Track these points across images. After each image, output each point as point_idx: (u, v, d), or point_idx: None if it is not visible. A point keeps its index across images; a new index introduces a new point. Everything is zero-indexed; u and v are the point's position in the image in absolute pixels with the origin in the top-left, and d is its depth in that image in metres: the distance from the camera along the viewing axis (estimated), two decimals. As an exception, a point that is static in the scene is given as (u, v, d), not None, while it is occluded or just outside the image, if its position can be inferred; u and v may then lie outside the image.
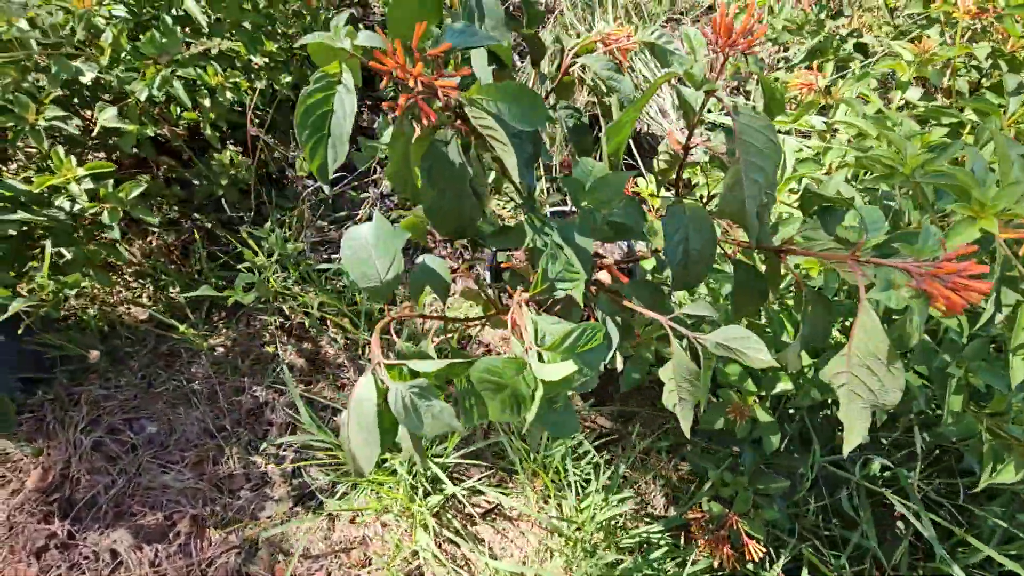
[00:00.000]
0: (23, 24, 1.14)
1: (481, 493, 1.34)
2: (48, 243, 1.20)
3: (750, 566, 1.12)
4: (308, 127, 0.47)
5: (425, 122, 0.50)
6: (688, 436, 0.64)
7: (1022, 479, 0.81)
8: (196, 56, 1.33)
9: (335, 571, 1.30)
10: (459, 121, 0.60)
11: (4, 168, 1.40)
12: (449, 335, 1.45)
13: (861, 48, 1.35)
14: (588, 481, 1.26)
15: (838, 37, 1.37)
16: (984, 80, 1.13)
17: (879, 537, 1.18)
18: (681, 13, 1.91)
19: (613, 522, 1.18)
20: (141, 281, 1.72)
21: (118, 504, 1.38)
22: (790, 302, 1.01)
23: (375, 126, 2.02)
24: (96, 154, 1.62)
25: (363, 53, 0.48)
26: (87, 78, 1.26)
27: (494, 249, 1.06)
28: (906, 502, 1.07)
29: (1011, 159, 0.60)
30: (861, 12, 1.42)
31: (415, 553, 1.27)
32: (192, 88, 1.43)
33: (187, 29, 1.46)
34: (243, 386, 1.55)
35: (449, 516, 1.31)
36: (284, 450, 1.46)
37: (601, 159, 0.71)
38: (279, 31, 1.67)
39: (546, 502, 1.28)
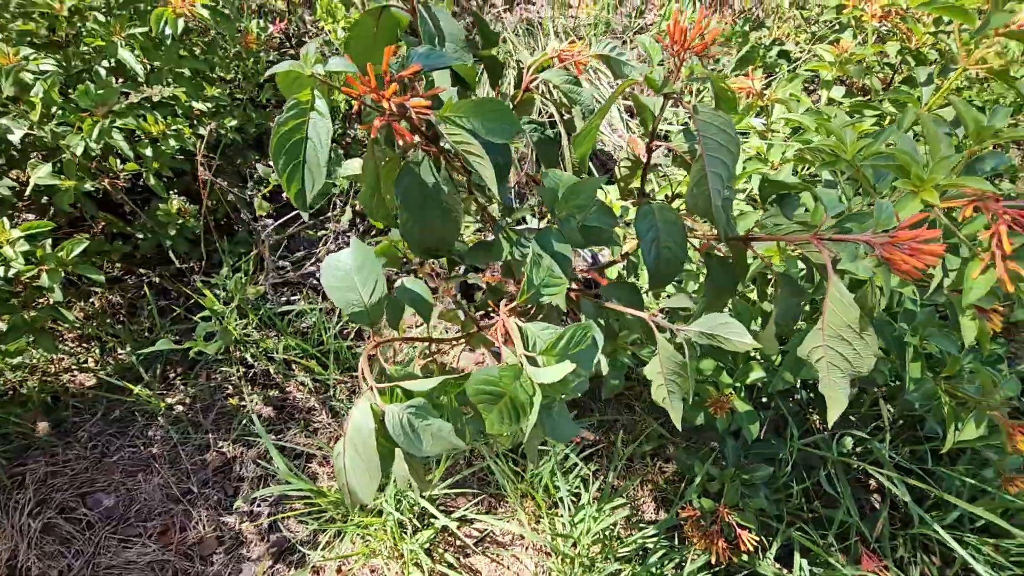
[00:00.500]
0: (-58, 84, 1.08)
1: (471, 522, 1.31)
2: (-18, 312, 1.11)
3: (745, 557, 1.13)
4: (284, 155, 0.46)
5: (400, 143, 0.51)
6: (680, 428, 0.65)
7: (982, 436, 0.87)
8: (135, 106, 1.30)
9: (326, 627, 1.23)
10: (428, 142, 0.61)
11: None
12: (431, 359, 1.43)
13: (784, 55, 1.46)
14: (578, 495, 1.25)
15: (762, 46, 1.47)
16: (896, 75, 1.24)
17: (860, 511, 1.22)
18: (616, 33, 2.01)
19: (608, 532, 1.18)
20: (86, 345, 1.62)
21: (77, 589, 1.27)
22: (752, 295, 1.06)
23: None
24: (30, 215, 1.53)
25: (332, 79, 0.49)
26: (16, 136, 1.20)
27: (463, 270, 1.06)
28: (881, 471, 1.12)
29: (938, 137, 0.66)
30: (780, 23, 1.54)
31: (410, 594, 1.22)
32: (132, 138, 1.39)
33: (122, 79, 1.42)
34: (208, 443, 1.47)
35: (441, 550, 1.27)
36: (258, 505, 1.39)
37: (566, 170, 0.73)
38: (219, 75, 1.65)
39: (539, 522, 1.26)
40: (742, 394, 1.07)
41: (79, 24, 1.33)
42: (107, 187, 1.39)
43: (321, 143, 0.47)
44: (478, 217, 1.17)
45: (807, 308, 0.84)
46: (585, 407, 1.44)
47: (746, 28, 1.48)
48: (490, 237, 0.80)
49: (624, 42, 1.78)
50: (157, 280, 1.73)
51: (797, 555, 1.13)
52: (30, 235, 1.17)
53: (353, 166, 1.12)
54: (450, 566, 1.24)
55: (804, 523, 1.21)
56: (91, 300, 1.69)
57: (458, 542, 1.30)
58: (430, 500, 1.29)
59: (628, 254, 0.83)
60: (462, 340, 0.71)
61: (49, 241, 1.20)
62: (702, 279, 1.07)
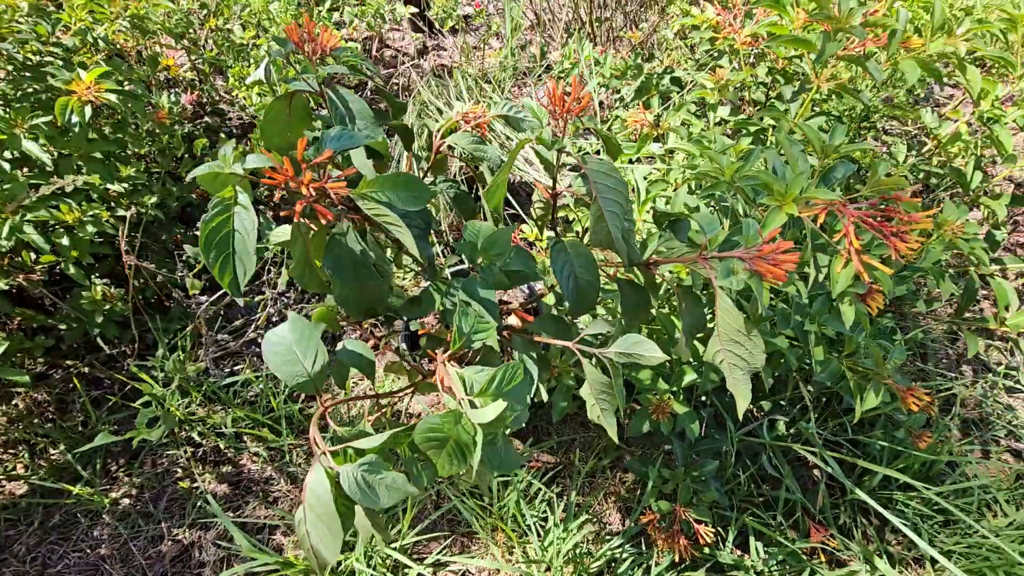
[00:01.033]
0: None
1: (446, 565, 1.32)
2: None
3: (706, 550, 1.20)
4: (214, 248, 0.50)
5: (323, 221, 0.55)
6: (617, 441, 0.72)
7: (884, 402, 0.98)
8: (47, 197, 1.27)
9: None
10: (351, 212, 0.66)
11: None
12: (382, 412, 1.44)
13: (676, 81, 1.60)
14: (545, 519, 1.29)
15: (655, 75, 1.61)
16: (770, 92, 1.39)
17: (802, 488, 1.32)
18: (524, 74, 2.13)
19: (578, 550, 1.22)
20: (12, 451, 1.52)
21: None
22: (676, 304, 1.15)
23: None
24: (-65, 322, 1.45)
25: (252, 173, 0.53)
26: (-85, 243, 1.15)
27: (405, 320, 1.09)
28: (810, 449, 1.22)
29: (795, 155, 0.77)
30: (668, 53, 1.69)
31: (393, 650, 1.21)
32: (46, 229, 1.35)
33: (27, 170, 1.38)
34: (161, 533, 1.41)
35: (419, 599, 1.27)
36: (224, 588, 1.34)
37: (485, 218, 0.79)
38: (133, 152, 1.63)
39: (511, 552, 1.29)
40: (680, 397, 1.16)
41: (-24, 122, 1.30)
42: (23, 283, 1.34)
43: (248, 233, 0.51)
44: (414, 265, 1.22)
45: (711, 317, 0.93)
46: (542, 431, 1.49)
47: (639, 61, 1.62)
48: (422, 285, 0.85)
49: (529, 84, 1.90)
50: (87, 370, 1.66)
51: (752, 539, 1.21)
52: (-58, 345, 1.11)
53: (283, 232, 1.15)
54: (430, 613, 1.24)
55: (755, 507, 1.29)
56: (14, 402, 1.60)
57: (435, 588, 1.30)
58: (401, 550, 1.29)
59: (554, 286, 0.90)
60: (409, 390, 0.75)
61: (-37, 348, 1.15)
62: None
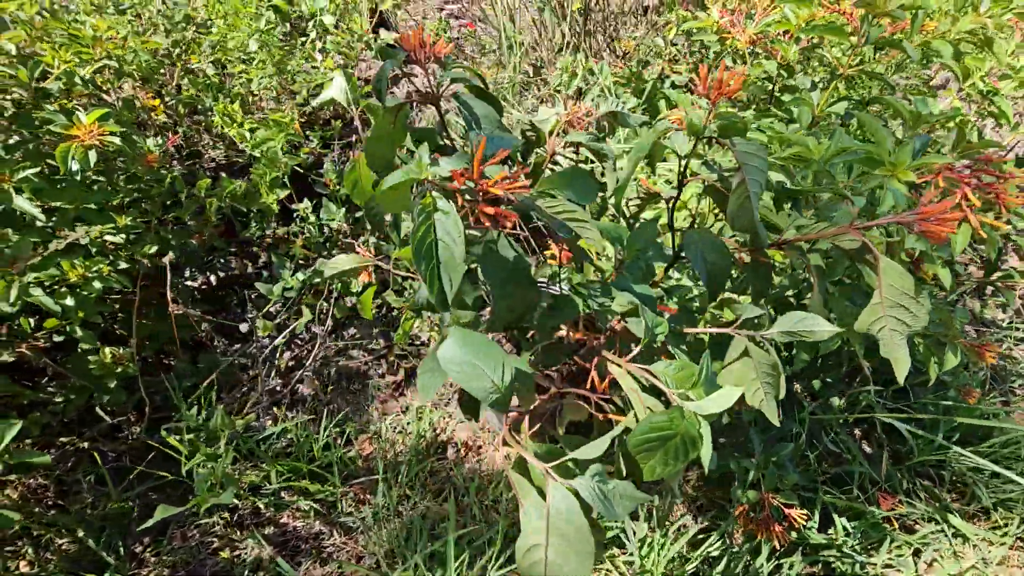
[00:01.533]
0: None
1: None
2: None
3: (793, 534, 1.20)
4: (423, 259, 0.46)
5: (508, 224, 0.52)
6: (778, 424, 0.71)
7: (959, 362, 1.03)
8: (53, 254, 1.15)
9: None
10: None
11: None
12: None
13: (674, 86, 1.66)
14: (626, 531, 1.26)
15: (655, 80, 1.66)
16: (775, 86, 1.46)
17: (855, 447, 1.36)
18: (524, 89, 2.13)
19: (679, 554, 1.20)
20: (11, 546, 1.34)
21: None
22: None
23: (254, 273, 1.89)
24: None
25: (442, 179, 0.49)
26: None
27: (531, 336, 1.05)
28: (892, 417, 1.26)
29: (882, 131, 0.80)
30: (661, 61, 1.75)
31: None
32: (49, 290, 1.21)
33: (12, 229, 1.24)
34: (209, 612, 1.27)
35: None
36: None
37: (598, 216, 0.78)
38: (129, 200, 1.51)
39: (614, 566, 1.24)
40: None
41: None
42: (25, 352, 1.20)
43: (454, 241, 0.47)
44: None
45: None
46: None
47: (639, 68, 1.67)
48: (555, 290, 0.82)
49: (528, 98, 1.92)
50: (86, 445, 1.49)
51: (836, 516, 1.22)
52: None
53: (339, 263, 1.09)
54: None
55: (825, 485, 1.31)
56: (5, 491, 1.41)
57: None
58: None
59: (656, 283, 0.89)
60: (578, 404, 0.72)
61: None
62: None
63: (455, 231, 0.47)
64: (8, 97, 1.24)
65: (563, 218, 0.55)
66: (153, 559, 1.34)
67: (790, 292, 0.97)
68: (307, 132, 1.99)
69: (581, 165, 0.78)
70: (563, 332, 0.76)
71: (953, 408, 1.29)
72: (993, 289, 1.15)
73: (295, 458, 1.42)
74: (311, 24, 1.89)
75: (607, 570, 1.22)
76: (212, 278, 1.92)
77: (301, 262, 1.84)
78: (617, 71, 1.71)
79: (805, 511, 1.16)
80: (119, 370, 1.33)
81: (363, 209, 0.83)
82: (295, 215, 1.83)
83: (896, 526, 1.30)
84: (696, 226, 0.97)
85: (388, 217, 0.75)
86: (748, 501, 1.18)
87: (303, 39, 1.93)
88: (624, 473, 0.57)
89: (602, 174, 0.77)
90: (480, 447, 1.58)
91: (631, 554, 1.19)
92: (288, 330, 1.60)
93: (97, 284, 1.26)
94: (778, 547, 1.12)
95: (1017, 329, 1.61)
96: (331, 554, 1.36)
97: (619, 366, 0.60)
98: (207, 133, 2.08)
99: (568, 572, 0.48)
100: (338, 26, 1.92)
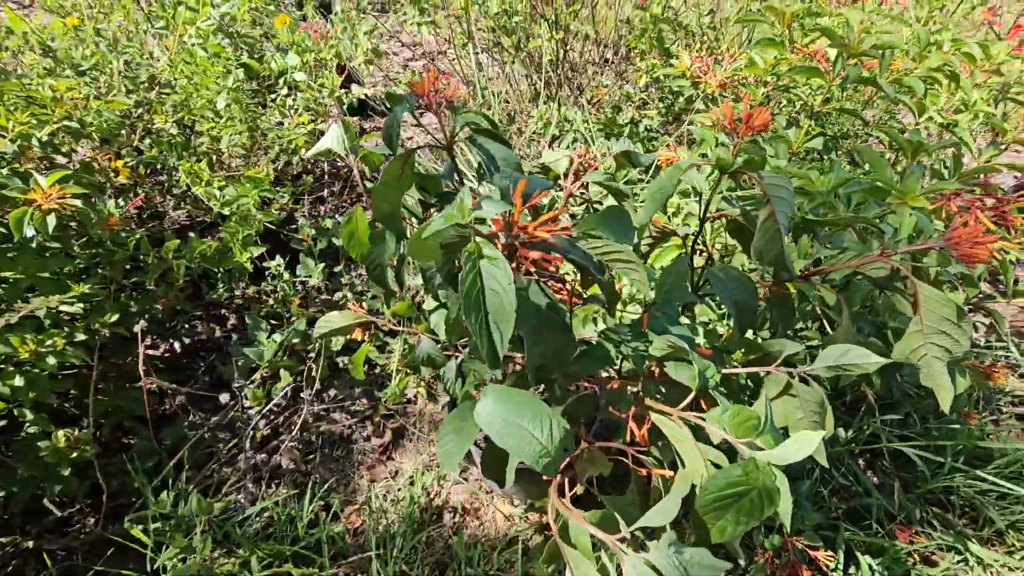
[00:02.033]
0: None
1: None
2: None
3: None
4: (472, 311, 0.41)
5: (552, 268, 0.48)
6: (825, 464, 0.67)
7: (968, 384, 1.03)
8: (7, 328, 1.03)
9: None
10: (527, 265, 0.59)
11: None
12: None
13: (647, 128, 1.70)
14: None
15: (628, 124, 1.70)
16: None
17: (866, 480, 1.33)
18: (555, 137, 2.12)
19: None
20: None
21: None
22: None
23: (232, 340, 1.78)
24: None
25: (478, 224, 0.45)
26: None
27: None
28: (901, 445, 1.24)
29: (882, 162, 0.82)
30: (631, 107, 1.80)
31: None
32: (-6, 371, 1.09)
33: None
34: None
35: None
36: None
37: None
38: (89, 266, 1.40)
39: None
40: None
41: None
42: (-35, 443, 1.05)
43: (503, 289, 0.42)
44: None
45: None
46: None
47: (613, 114, 1.71)
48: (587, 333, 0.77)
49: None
50: (31, 544, 1.32)
51: (860, 555, 1.18)
52: None
53: (333, 320, 1.02)
54: None
55: (840, 520, 1.28)
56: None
57: None
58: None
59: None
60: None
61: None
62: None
63: (504, 279, 0.42)
64: (-46, 162, 1.14)
65: (609, 259, 0.51)
66: (113, 675, 1.16)
67: (800, 324, 0.96)
68: (277, 188, 1.94)
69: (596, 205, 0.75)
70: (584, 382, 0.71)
71: (958, 432, 1.30)
72: (983, 311, 1.18)
73: (277, 540, 1.28)
74: (281, 81, 1.87)
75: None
76: (176, 344, 1.79)
77: (274, 323, 1.74)
78: (591, 117, 1.74)
79: (830, 552, 1.12)
80: (74, 455, 1.19)
81: (363, 263, 0.78)
82: (267, 273, 1.75)
83: (917, 558, 1.27)
84: (717, 262, 0.95)
85: (414, 271, 0.70)
86: (773, 546, 1.12)
87: (272, 96, 1.90)
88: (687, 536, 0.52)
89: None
90: (479, 509, 1.48)
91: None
92: (269, 396, 1.49)
93: (51, 360, 1.14)
94: (810, 594, 1.07)
95: (996, 349, 1.66)
96: (324, 648, 1.21)
97: (665, 415, 0.55)
98: (169, 194, 2.00)
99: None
100: (309, 84, 1.91)
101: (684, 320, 0.92)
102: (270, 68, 1.89)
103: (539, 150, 1.85)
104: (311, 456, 1.52)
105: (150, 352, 1.73)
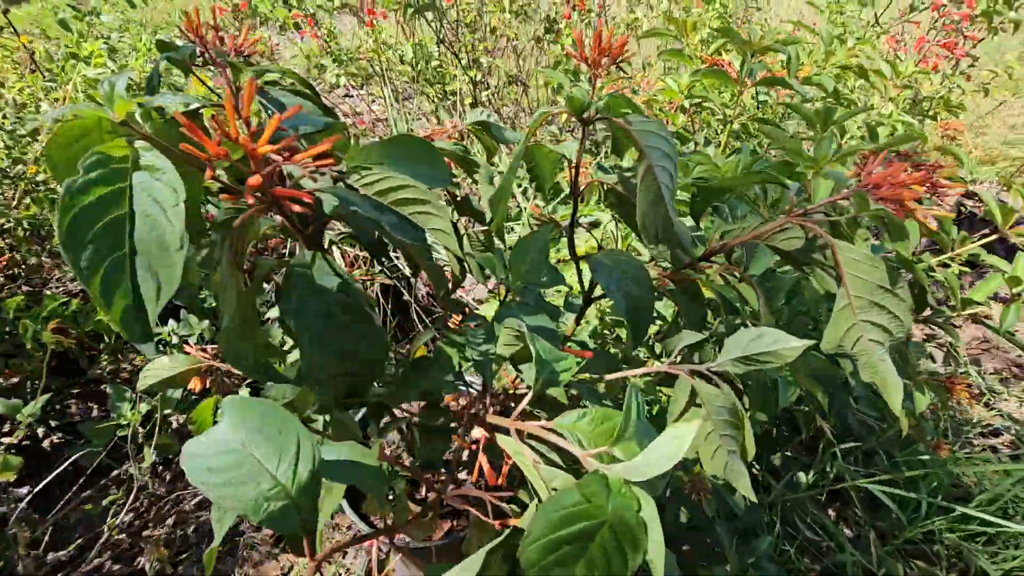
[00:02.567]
0: None
1: None
2: None
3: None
4: (89, 246, 0.24)
5: (297, 208, 0.32)
6: (754, 499, 0.50)
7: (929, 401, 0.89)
8: None
9: None
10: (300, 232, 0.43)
11: None
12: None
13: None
14: None
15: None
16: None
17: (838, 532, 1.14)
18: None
19: None
20: None
21: None
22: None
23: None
24: None
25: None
26: None
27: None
28: (877, 485, 1.07)
29: (787, 135, 0.71)
30: (549, 136, 1.74)
31: None
32: None
33: None
34: None
35: None
36: None
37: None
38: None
39: None
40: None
41: None
42: None
43: (166, 214, 0.26)
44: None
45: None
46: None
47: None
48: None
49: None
50: None
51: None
52: None
53: (159, 368, 0.83)
54: None
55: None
56: None
57: None
58: None
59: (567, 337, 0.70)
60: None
61: None
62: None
63: (170, 198, 0.26)
64: None
65: (393, 201, 0.36)
66: None
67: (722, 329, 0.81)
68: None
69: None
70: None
71: (927, 464, 1.14)
72: (932, 328, 1.06)
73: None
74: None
75: None
76: (40, 430, 1.52)
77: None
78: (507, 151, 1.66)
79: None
80: None
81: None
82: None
83: (906, 625, 1.06)
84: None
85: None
86: (732, 625, 0.91)
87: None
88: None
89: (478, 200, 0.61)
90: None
91: None
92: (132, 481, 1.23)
93: None
94: None
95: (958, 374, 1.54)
96: None
97: (502, 429, 0.38)
98: (56, 256, 1.79)
99: None
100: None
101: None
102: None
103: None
104: (183, 556, 1.24)
105: (3, 440, 1.46)
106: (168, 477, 1.39)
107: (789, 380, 0.78)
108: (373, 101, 2.01)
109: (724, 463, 0.48)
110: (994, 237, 1.17)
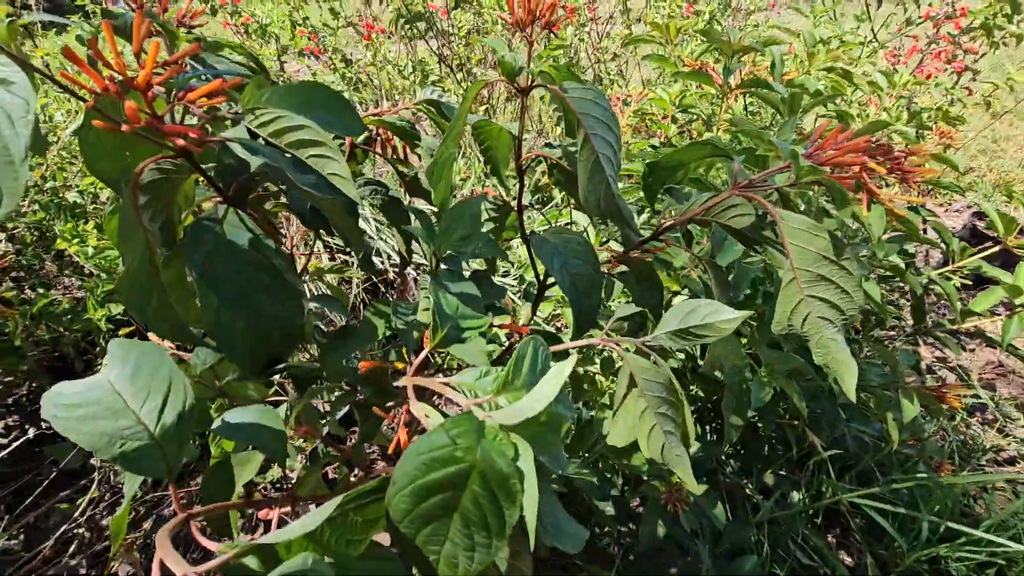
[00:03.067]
0: None
1: None
2: None
3: None
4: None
5: (187, 146, 0.32)
6: (698, 492, 0.47)
7: (919, 411, 0.84)
8: None
9: None
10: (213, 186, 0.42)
11: None
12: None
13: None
14: None
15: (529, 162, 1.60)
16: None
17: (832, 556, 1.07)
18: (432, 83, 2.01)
19: None
20: None
21: None
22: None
23: None
24: None
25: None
26: None
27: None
28: (869, 507, 1.01)
29: (751, 122, 0.70)
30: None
31: None
32: None
33: None
34: None
35: None
36: None
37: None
38: None
39: None
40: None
41: None
42: None
43: (15, 128, 0.25)
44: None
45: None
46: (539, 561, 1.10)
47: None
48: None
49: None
50: None
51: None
52: None
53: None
54: None
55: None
56: None
57: None
58: None
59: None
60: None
61: None
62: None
63: (18, 109, 0.26)
64: None
65: (288, 143, 0.35)
66: None
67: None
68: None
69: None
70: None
71: (928, 486, 1.07)
72: (942, 350, 1.01)
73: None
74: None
75: None
76: (32, 430, 1.53)
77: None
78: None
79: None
80: None
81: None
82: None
83: (909, 661, 0.98)
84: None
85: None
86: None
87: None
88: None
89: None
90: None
91: None
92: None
93: None
94: None
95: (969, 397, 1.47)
96: None
97: (405, 391, 0.36)
98: (58, 260, 1.83)
99: None
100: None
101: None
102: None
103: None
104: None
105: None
106: (150, 481, 1.38)
107: (764, 380, 0.75)
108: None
109: (661, 445, 0.45)
110: (997, 248, 1.13)
